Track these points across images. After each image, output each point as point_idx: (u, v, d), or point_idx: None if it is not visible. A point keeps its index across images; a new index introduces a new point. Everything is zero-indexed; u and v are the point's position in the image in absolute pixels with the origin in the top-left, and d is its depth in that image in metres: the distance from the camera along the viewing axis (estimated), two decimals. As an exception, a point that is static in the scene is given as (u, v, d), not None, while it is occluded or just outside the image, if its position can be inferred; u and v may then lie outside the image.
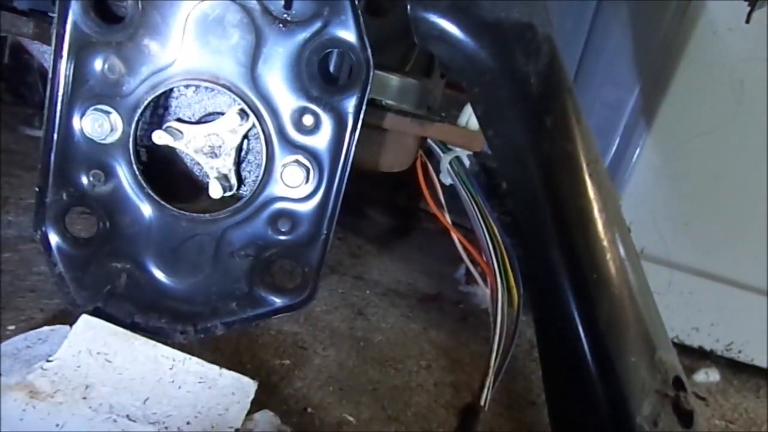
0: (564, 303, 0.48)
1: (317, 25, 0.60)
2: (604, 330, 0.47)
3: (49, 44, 0.59)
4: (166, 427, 0.58)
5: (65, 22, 0.58)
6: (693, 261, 1.11)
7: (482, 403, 0.67)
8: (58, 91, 0.60)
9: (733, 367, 1.20)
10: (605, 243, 0.49)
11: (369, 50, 0.60)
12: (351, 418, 0.77)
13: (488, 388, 0.68)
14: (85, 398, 0.58)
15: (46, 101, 0.60)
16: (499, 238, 0.80)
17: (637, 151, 1.12)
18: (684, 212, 1.10)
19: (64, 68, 0.59)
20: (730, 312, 1.14)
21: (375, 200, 1.60)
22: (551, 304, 0.51)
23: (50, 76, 0.59)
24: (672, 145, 1.10)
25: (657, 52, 1.12)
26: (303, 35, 0.60)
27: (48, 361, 0.60)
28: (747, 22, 0.90)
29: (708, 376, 1.14)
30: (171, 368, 0.63)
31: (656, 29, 1.13)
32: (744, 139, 1.06)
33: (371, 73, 0.60)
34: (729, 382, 1.16)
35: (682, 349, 1.16)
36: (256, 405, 0.64)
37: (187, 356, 0.64)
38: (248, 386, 0.65)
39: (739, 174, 1.08)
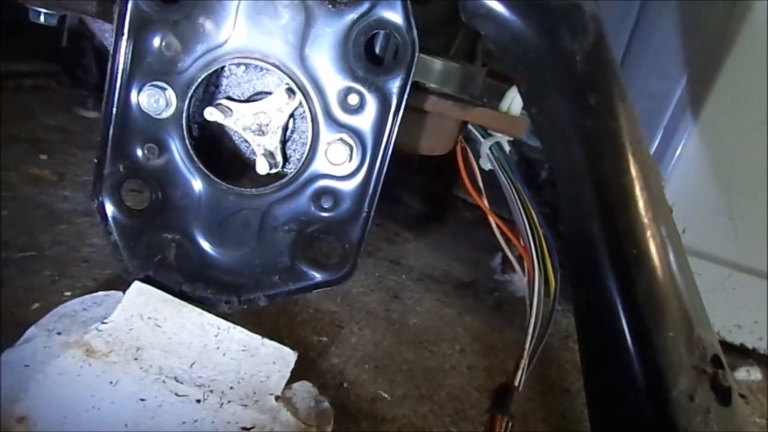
0: (603, 277, 0.49)
1: (365, 6, 0.61)
2: (643, 304, 0.48)
3: (111, 23, 0.62)
4: (210, 390, 0.61)
5: (127, 1, 0.61)
6: (737, 256, 1.08)
7: (516, 383, 0.68)
8: (118, 68, 0.63)
9: (776, 366, 1.17)
10: (646, 220, 0.49)
11: (415, 32, 0.61)
12: (385, 395, 0.79)
13: (523, 370, 0.69)
14: (136, 359, 0.61)
15: (107, 77, 0.63)
16: (537, 224, 0.80)
17: (682, 143, 1.10)
18: (729, 207, 1.08)
19: (125, 45, 0.62)
20: (774, 310, 1.11)
21: (412, 188, 1.61)
22: (590, 277, 0.51)
23: (111, 53, 0.62)
24: (718, 138, 1.08)
25: (706, 43, 1.09)
26: (351, 16, 0.61)
27: (103, 323, 0.63)
28: None
29: (749, 374, 1.11)
30: (216, 335, 0.66)
31: (706, 20, 1.10)
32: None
33: (416, 55, 0.61)
34: (771, 381, 1.14)
35: (724, 346, 1.13)
36: (295, 377, 0.66)
37: (232, 325, 0.67)
38: (289, 356, 0.67)
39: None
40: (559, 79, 0.52)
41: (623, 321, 0.48)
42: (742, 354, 1.16)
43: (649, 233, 0.48)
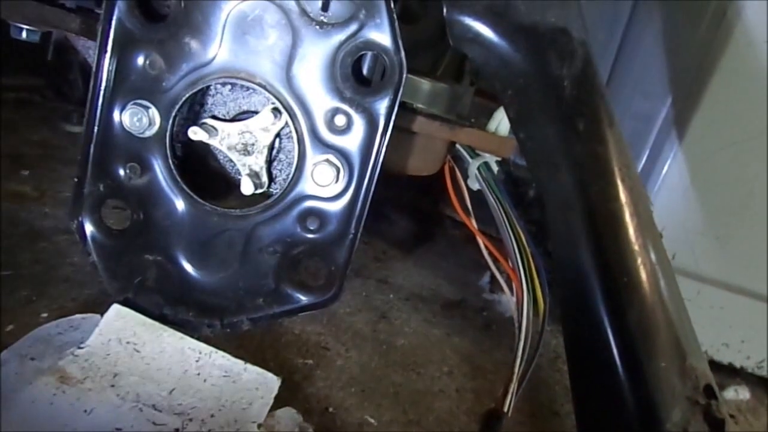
0: (594, 306, 0.48)
1: (353, 27, 0.60)
2: (634, 334, 0.47)
3: (95, 40, 0.61)
4: (190, 419, 0.59)
5: (111, 20, 0.60)
6: (724, 275, 1.09)
7: (505, 409, 0.66)
8: (100, 85, 0.62)
9: (763, 385, 1.17)
10: (636, 247, 0.48)
11: (403, 53, 0.60)
12: (372, 420, 0.77)
13: (512, 394, 0.68)
14: (113, 386, 0.59)
15: (89, 95, 0.62)
16: (526, 244, 0.80)
17: (668, 164, 1.11)
18: (715, 225, 1.08)
19: (108, 63, 0.61)
20: (761, 328, 1.11)
21: (400, 205, 1.60)
22: (581, 306, 0.50)
23: (94, 70, 0.61)
24: (704, 159, 1.09)
25: (690, 63, 1.10)
26: (339, 37, 0.61)
27: (79, 347, 0.62)
28: None
29: (737, 393, 1.11)
30: (197, 361, 0.64)
31: (690, 40, 1.11)
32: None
33: (404, 76, 0.61)
34: (759, 400, 1.13)
35: (711, 365, 1.12)
36: (279, 402, 0.64)
37: (213, 349, 0.65)
38: (272, 382, 0.65)
39: (773, 188, 1.06)
40: (547, 104, 0.51)
41: (615, 351, 0.47)
42: (730, 373, 1.16)
43: (639, 260, 0.48)
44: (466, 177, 0.88)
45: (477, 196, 0.90)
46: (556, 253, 0.53)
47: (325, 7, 0.60)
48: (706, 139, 1.07)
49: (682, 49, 1.14)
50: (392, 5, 0.60)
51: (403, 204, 1.61)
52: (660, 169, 1.11)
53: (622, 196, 0.49)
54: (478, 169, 0.84)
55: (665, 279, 0.49)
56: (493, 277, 1.21)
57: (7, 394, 0.55)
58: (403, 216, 1.61)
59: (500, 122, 0.81)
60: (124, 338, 0.64)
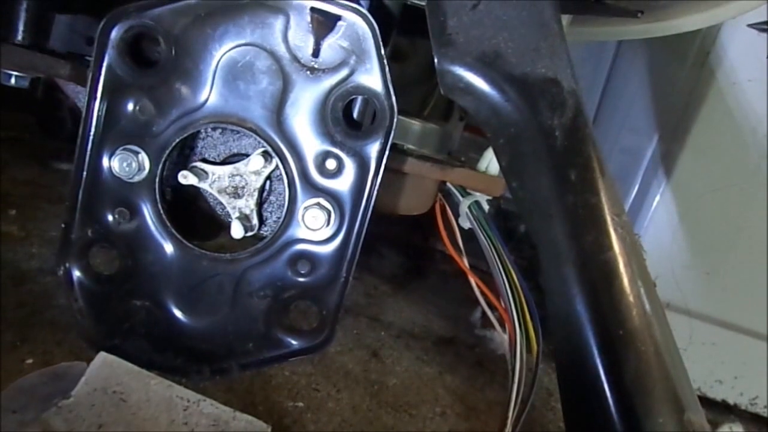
0: (589, 359, 0.47)
1: (343, 72, 0.61)
2: (631, 388, 0.46)
3: (84, 85, 0.61)
4: (177, 471, 0.57)
5: (101, 66, 0.60)
6: (716, 311, 1.09)
7: (500, 455, 0.65)
8: (90, 131, 0.61)
9: (758, 422, 1.16)
10: (631, 298, 0.48)
11: (393, 98, 0.61)
12: (364, 466, 0.75)
13: (506, 440, 0.66)
14: (98, 438, 0.58)
15: (78, 140, 0.62)
16: (517, 284, 0.79)
17: (657, 198, 1.12)
18: (706, 262, 1.09)
19: (97, 109, 0.61)
20: (754, 365, 1.11)
21: (391, 240, 1.60)
22: (575, 360, 0.50)
23: (83, 116, 0.61)
24: (692, 194, 1.10)
25: (676, 103, 1.12)
26: (329, 82, 0.61)
27: (64, 398, 0.60)
28: None
29: (732, 431, 1.10)
30: (185, 409, 0.63)
31: (675, 80, 1.13)
32: (765, 190, 1.05)
33: (395, 120, 0.61)
34: (754, 437, 1.13)
35: (705, 402, 1.13)
36: (269, 449, 0.63)
37: (202, 398, 0.64)
38: (261, 430, 0.64)
39: (762, 224, 1.07)
40: (538, 154, 0.52)
41: (612, 407, 0.46)
42: (723, 410, 1.15)
43: (634, 312, 0.48)
44: (456, 215, 0.88)
45: (468, 231, 0.90)
46: (550, 305, 0.53)
47: (315, 53, 0.61)
48: (694, 175, 1.09)
49: (667, 87, 1.16)
50: (382, 51, 0.60)
51: (394, 239, 1.61)
52: (650, 203, 1.12)
53: (616, 246, 0.49)
54: (469, 208, 0.84)
55: (660, 329, 0.49)
56: (484, 312, 1.20)
57: (-13, 451, 0.53)
58: (393, 251, 1.60)
59: (490, 161, 0.81)
60: (110, 387, 0.62)
